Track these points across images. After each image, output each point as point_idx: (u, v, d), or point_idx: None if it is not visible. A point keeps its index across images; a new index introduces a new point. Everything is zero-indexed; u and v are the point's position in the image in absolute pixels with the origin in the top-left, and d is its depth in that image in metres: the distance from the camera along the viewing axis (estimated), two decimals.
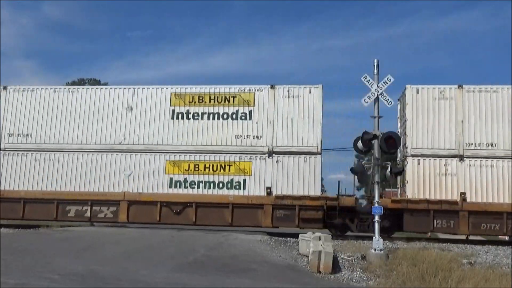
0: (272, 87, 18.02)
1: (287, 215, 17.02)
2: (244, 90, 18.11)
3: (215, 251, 12.03)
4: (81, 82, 57.69)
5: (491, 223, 16.14)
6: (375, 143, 12.69)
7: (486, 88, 17.05)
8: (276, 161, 17.33)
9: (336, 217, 16.81)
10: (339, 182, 18.06)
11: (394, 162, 17.21)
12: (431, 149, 16.86)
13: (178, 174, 17.67)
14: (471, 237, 17.94)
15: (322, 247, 11.02)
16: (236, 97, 18.08)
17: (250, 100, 17.98)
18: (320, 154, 17.32)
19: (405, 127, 17.35)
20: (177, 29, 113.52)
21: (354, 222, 17.05)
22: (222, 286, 8.44)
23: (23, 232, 16.00)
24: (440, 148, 16.83)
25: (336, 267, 10.92)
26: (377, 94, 12.78)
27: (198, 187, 17.56)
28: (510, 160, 16.36)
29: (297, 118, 17.57)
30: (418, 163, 16.78)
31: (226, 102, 18.03)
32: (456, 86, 17.18)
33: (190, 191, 17.53)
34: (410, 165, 16.82)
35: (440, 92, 17.19)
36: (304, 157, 17.25)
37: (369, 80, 12.87)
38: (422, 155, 16.84)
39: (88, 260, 10.14)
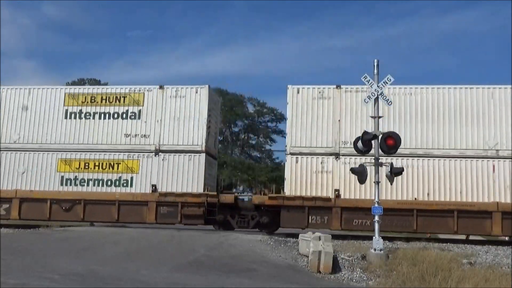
0: (161, 87, 18.53)
1: (171, 211, 17.49)
2: (135, 90, 18.62)
3: (215, 251, 12.03)
4: (81, 82, 57.64)
5: (362, 219, 16.50)
6: (375, 143, 12.69)
7: (363, 88, 16.87)
8: (162, 159, 17.81)
9: (217, 213, 17.27)
10: (217, 179, 18.58)
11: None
12: (309, 147, 17.26)
13: (69, 172, 18.19)
14: (471, 237, 17.94)
15: (322, 247, 11.02)
16: (126, 97, 18.59)
17: (140, 100, 18.47)
18: (205, 152, 17.78)
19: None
20: (177, 29, 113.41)
21: (235, 218, 17.58)
22: (222, 286, 8.44)
23: (23, 232, 16.00)
24: (317, 146, 17.24)
25: (336, 267, 10.92)
26: (377, 94, 12.77)
27: (88, 185, 18.06)
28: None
29: (184, 118, 18.10)
30: (296, 161, 17.19)
31: (117, 102, 18.58)
32: (335, 86, 17.62)
33: (80, 188, 18.06)
34: (289, 163, 17.30)
35: (320, 92, 17.61)
36: (189, 155, 17.72)
37: (369, 80, 12.86)
38: (301, 153, 17.23)
39: (88, 260, 10.15)
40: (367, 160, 14.42)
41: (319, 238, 11.74)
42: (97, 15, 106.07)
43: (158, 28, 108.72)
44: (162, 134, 17.99)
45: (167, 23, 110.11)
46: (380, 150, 12.73)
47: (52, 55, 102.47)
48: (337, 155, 17.07)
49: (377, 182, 12.67)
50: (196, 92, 18.22)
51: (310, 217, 16.77)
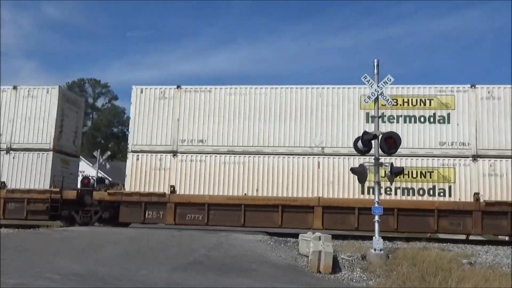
0: (15, 87, 19.41)
1: (18, 207, 18.39)
2: None
3: (215, 251, 12.03)
4: (81, 82, 57.75)
5: (195, 214, 17.49)
6: (375, 143, 12.69)
7: (201, 88, 18.36)
8: (13, 158, 18.76)
9: (61, 209, 18.04)
10: (63, 177, 18.92)
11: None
12: (150, 145, 18.04)
13: None
14: (471, 237, 17.96)
15: (322, 247, 11.02)
16: None
17: None
18: (54, 150, 18.76)
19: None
20: (177, 29, 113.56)
21: (79, 213, 18.30)
22: (222, 286, 8.44)
23: (23, 232, 16.00)
24: (157, 144, 18.02)
25: (336, 267, 10.92)
26: (377, 94, 12.78)
27: None
28: (217, 155, 17.78)
29: (35, 117, 19.04)
30: (137, 159, 17.96)
31: None
32: (175, 87, 18.43)
33: None
34: (130, 161, 18.05)
35: (161, 92, 18.38)
36: (38, 153, 18.76)
37: (369, 80, 12.87)
38: (142, 151, 18.00)
39: (88, 260, 10.15)
40: (199, 158, 17.56)
41: (319, 238, 11.75)
42: (97, 15, 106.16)
43: (158, 28, 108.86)
44: (14, 133, 19.02)
45: (167, 23, 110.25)
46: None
47: (52, 55, 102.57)
48: (175, 153, 17.86)
49: (378, 182, 12.68)
50: (47, 92, 19.22)
51: (147, 212, 17.67)
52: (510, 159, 16.47)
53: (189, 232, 15.97)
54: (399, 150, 15.31)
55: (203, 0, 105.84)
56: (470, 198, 16.51)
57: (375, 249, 11.91)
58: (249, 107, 18.02)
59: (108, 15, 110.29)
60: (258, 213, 17.24)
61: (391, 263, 11.27)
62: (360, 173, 12.98)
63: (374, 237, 12.15)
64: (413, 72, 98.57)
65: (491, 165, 16.61)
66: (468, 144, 16.81)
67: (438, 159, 16.84)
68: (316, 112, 17.67)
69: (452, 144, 16.89)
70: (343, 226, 17.04)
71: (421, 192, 16.83)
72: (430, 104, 17.23)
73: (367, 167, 12.90)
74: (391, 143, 12.52)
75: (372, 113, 16.38)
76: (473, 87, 17.17)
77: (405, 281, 9.60)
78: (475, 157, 16.72)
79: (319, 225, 16.78)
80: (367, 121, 17.18)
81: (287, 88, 18.17)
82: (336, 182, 17.14)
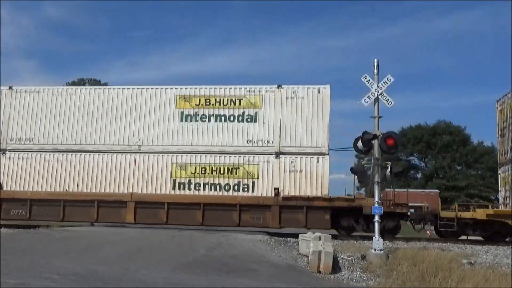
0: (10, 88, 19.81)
1: None
2: None
3: (215, 251, 12.03)
4: (81, 82, 57.74)
5: (19, 209, 18.34)
6: (375, 143, 12.68)
7: (31, 89, 19.36)
8: None
9: None
10: None
11: None
12: None
13: None
14: (470, 237, 17.96)
15: (322, 247, 11.02)
16: None
17: None
18: None
19: None
20: (177, 29, 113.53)
21: None
22: (222, 286, 8.44)
23: (23, 232, 15.99)
24: None
25: (336, 267, 10.92)
26: (377, 94, 12.77)
27: None
28: (42, 152, 18.72)
29: None
30: None
31: None
32: (8, 87, 19.39)
33: None
34: None
35: None
36: None
37: (369, 80, 12.87)
38: None
39: (88, 260, 10.15)
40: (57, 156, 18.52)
41: (319, 238, 11.74)
42: (97, 15, 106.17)
43: (159, 29, 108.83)
44: None
45: (168, 23, 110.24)
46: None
47: (52, 55, 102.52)
48: (4, 151, 18.88)
49: (378, 182, 12.67)
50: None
51: None
52: (309, 156, 17.38)
53: (189, 232, 15.97)
54: (208, 148, 17.83)
55: (203, 0, 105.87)
56: (271, 193, 17.32)
57: (375, 249, 11.91)
58: (73, 107, 18.91)
59: (108, 15, 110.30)
60: (76, 208, 18.05)
61: (391, 263, 11.27)
62: (360, 173, 12.98)
63: (374, 237, 12.16)
64: (413, 72, 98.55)
65: (292, 162, 17.44)
66: (272, 141, 17.74)
67: (244, 156, 17.74)
68: (135, 112, 18.58)
69: (257, 142, 17.84)
70: (154, 220, 17.84)
71: (227, 187, 17.76)
72: (240, 104, 18.17)
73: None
74: (391, 143, 12.51)
75: (186, 112, 18.18)
76: (279, 88, 18.18)
77: (405, 281, 9.60)
78: (278, 154, 17.56)
79: (131, 219, 17.79)
80: (182, 120, 18.25)
81: (110, 88, 19.52)
82: (150, 179, 18.05)
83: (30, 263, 9.56)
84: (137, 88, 18.89)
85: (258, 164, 17.62)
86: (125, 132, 18.42)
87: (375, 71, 12.97)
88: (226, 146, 17.89)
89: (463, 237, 17.75)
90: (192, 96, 18.43)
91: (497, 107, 19.52)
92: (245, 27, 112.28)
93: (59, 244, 12.86)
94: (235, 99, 18.22)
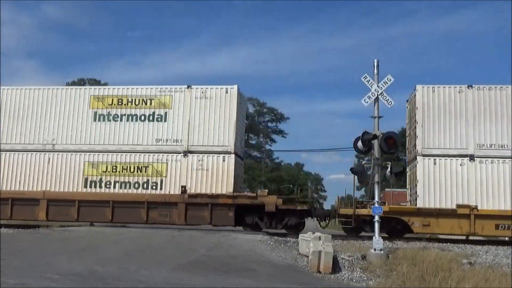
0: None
1: None
2: None
3: (215, 251, 12.03)
4: (81, 82, 57.79)
5: None
6: (375, 143, 12.68)
7: None
8: None
9: None
10: None
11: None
12: None
13: None
14: (470, 237, 17.95)
15: (322, 247, 11.01)
16: None
17: None
18: None
19: None
20: (177, 29, 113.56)
21: None
22: (222, 286, 8.44)
23: (23, 232, 16.00)
24: None
25: (336, 267, 10.92)
26: (377, 94, 12.77)
27: None
28: None
29: None
30: None
31: None
32: None
33: None
34: None
35: None
36: None
37: (369, 80, 12.86)
38: None
39: (88, 260, 10.14)
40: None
41: (319, 238, 11.74)
42: (97, 15, 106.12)
43: (159, 28, 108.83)
44: None
45: (168, 23, 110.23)
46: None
47: (52, 55, 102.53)
48: None
49: (378, 182, 12.67)
50: None
51: None
52: (216, 155, 17.80)
53: (189, 232, 15.97)
54: (119, 146, 18.16)
55: (203, 0, 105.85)
56: (179, 191, 17.63)
57: (375, 249, 11.91)
58: None
59: (108, 15, 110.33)
60: None
61: (391, 263, 11.27)
62: (360, 173, 12.97)
63: (374, 237, 12.16)
64: (413, 72, 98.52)
65: (199, 160, 17.81)
66: (181, 141, 18.09)
67: (153, 155, 18.15)
68: (51, 112, 18.87)
69: (167, 141, 18.23)
70: (65, 218, 18.06)
71: (136, 185, 18.09)
72: (151, 104, 18.57)
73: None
74: (391, 143, 12.51)
75: (100, 112, 18.60)
76: (189, 88, 18.50)
77: (405, 281, 9.60)
78: (186, 153, 17.92)
79: (44, 217, 18.03)
80: (95, 120, 18.62)
81: (26, 89, 19.37)
82: (63, 177, 18.36)
83: (30, 263, 9.56)
84: (52, 88, 19.29)
85: (167, 163, 18.06)
86: (40, 132, 18.79)
87: (375, 71, 12.97)
88: (136, 145, 18.33)
89: (463, 237, 17.73)
90: (106, 96, 18.85)
91: (407, 107, 19.47)
92: (245, 27, 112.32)
93: (59, 244, 12.86)
94: (147, 99, 18.64)
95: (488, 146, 16.85)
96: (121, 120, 18.50)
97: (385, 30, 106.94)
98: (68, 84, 54.55)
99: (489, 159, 16.75)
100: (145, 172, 18.08)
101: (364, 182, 13.35)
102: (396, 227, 17.10)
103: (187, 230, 16.54)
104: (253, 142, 63.95)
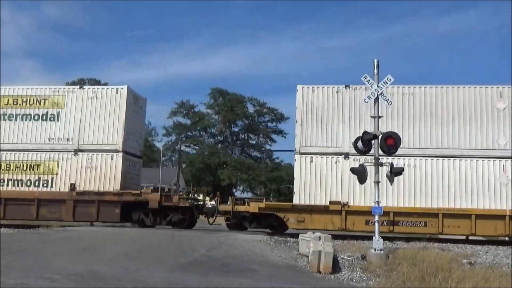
0: None
1: None
2: None
3: (215, 251, 12.02)
4: (81, 82, 57.80)
5: None
6: (375, 143, 12.67)
7: None
8: None
9: None
10: None
11: None
12: None
13: None
14: (470, 238, 17.95)
15: (322, 247, 11.00)
16: None
17: None
18: None
19: None
20: (177, 29, 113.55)
21: None
22: (222, 286, 8.44)
23: (23, 232, 16.00)
24: None
25: (336, 267, 10.91)
26: (377, 94, 12.76)
27: None
28: None
29: None
30: None
31: None
32: None
33: None
34: None
35: None
36: None
37: (369, 80, 12.85)
38: None
39: (88, 260, 10.14)
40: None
41: (319, 238, 11.73)
42: (97, 15, 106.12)
43: (159, 28, 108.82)
44: None
45: (168, 23, 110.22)
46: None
47: (52, 55, 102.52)
48: None
49: (378, 182, 12.66)
50: None
51: None
52: (105, 153, 18.52)
53: (189, 232, 15.98)
54: (14, 145, 18.89)
55: (203, 0, 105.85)
56: (68, 188, 18.20)
57: (375, 249, 11.90)
58: None
59: (108, 15, 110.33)
60: None
61: (391, 263, 11.26)
62: (360, 173, 12.97)
63: (374, 237, 12.14)
64: (413, 72, 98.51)
65: (89, 159, 18.45)
66: (72, 139, 18.88)
67: (45, 153, 18.87)
68: None
69: (58, 140, 19.00)
70: None
71: (28, 183, 18.79)
72: (44, 104, 19.30)
73: None
74: (391, 143, 12.50)
75: None
76: (81, 88, 19.62)
77: (405, 281, 9.59)
78: (76, 152, 18.56)
79: None
80: None
81: None
82: None
83: (30, 263, 9.56)
84: None
85: (58, 161, 18.76)
86: None
87: (375, 71, 12.95)
88: (30, 143, 19.05)
89: (463, 237, 17.71)
90: (1, 96, 19.45)
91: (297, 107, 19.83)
92: (245, 27, 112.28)
93: (59, 244, 12.86)
94: (41, 99, 19.33)
95: None
96: (15, 119, 19.20)
97: (385, 30, 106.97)
98: (68, 84, 54.54)
99: (363, 157, 16.98)
100: (37, 170, 18.76)
101: (364, 183, 13.33)
102: (273, 223, 17.70)
103: (187, 230, 16.55)
104: (253, 142, 63.92)
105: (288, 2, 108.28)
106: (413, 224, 16.74)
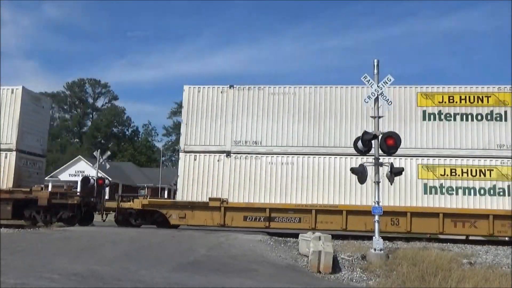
0: None
1: None
2: None
3: (215, 251, 12.02)
4: (81, 82, 57.81)
5: None
6: (375, 143, 12.68)
7: None
8: None
9: None
10: None
11: None
12: None
13: None
14: (471, 238, 17.95)
15: (322, 247, 11.01)
16: None
17: None
18: None
19: None
20: (177, 29, 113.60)
21: None
22: (222, 286, 8.44)
23: (23, 232, 16.00)
24: None
25: (336, 267, 10.91)
26: (377, 94, 12.77)
27: None
28: None
29: None
30: None
31: None
32: None
33: None
34: None
35: None
36: None
37: (369, 80, 12.86)
38: None
39: (88, 260, 10.14)
40: None
41: (319, 238, 11.74)
42: (97, 15, 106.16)
43: (159, 28, 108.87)
44: None
45: (168, 23, 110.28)
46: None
47: (52, 55, 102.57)
48: None
49: (378, 182, 12.67)
50: None
51: None
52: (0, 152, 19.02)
53: (189, 232, 15.98)
54: None
55: (203, 0, 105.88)
56: None
57: (375, 249, 11.91)
58: None
59: (108, 15, 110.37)
60: None
61: (391, 263, 11.26)
62: (360, 173, 12.98)
63: (374, 237, 12.15)
64: (413, 72, 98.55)
65: None
66: None
67: None
68: None
69: None
70: None
71: None
72: None
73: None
74: (391, 143, 12.51)
75: None
76: None
77: (405, 281, 9.60)
78: None
79: None
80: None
81: None
82: None
83: (30, 263, 9.56)
84: None
85: None
86: None
87: (375, 71, 12.96)
88: None
89: (463, 237, 17.70)
90: None
91: None
92: (245, 27, 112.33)
93: (59, 244, 12.86)
94: None
95: (244, 142, 17.79)
96: None
97: (385, 30, 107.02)
98: (68, 83, 54.48)
99: (244, 155, 17.70)
100: None
101: (364, 183, 13.33)
102: (158, 219, 17.99)
103: (187, 230, 16.55)
104: None
105: (288, 2, 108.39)
106: (288, 220, 17.14)
